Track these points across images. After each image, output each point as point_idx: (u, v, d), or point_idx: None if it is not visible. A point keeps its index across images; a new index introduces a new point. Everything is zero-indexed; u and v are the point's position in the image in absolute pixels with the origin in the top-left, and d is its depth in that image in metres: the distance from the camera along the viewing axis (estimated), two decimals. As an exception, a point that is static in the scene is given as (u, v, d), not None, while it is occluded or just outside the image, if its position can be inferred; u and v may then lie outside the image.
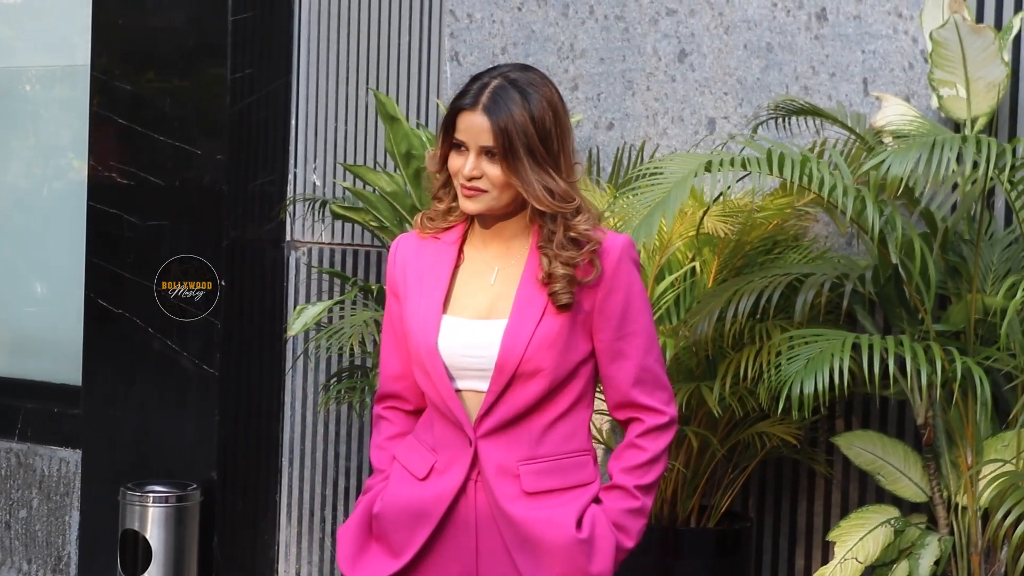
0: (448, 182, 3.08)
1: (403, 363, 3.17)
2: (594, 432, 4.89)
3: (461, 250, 3.11)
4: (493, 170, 2.98)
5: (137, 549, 5.48)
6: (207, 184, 5.66)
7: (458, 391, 3.05)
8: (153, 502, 5.48)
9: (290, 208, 5.68)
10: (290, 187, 5.74)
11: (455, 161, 3.02)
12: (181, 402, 5.71)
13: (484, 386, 3.03)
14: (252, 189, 5.69)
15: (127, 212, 5.82)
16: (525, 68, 3.06)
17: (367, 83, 5.62)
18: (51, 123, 6.65)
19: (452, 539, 3.06)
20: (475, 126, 2.97)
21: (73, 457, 6.05)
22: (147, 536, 5.45)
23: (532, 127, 2.96)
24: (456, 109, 3.00)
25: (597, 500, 3.08)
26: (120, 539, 5.52)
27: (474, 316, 3.05)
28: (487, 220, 3.08)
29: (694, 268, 4.51)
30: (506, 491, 3.02)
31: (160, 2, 5.80)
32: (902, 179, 3.76)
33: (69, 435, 6.12)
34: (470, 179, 2.99)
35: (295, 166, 5.77)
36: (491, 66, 3.14)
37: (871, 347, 3.85)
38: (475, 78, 3.04)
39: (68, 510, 6.07)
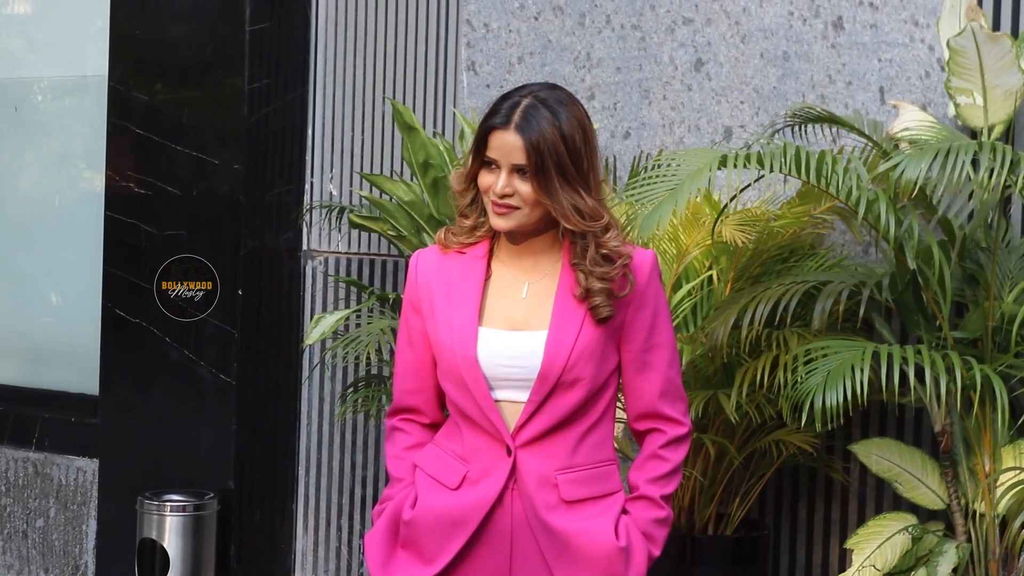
0: (475, 199, 3.13)
1: (420, 378, 3.21)
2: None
3: (488, 264, 3.15)
4: (524, 188, 3.02)
5: (155, 558, 5.49)
6: (224, 194, 5.68)
7: (496, 401, 3.08)
8: (170, 511, 5.49)
9: (307, 216, 5.69)
10: (307, 196, 5.76)
11: (486, 178, 3.06)
12: (198, 411, 5.73)
13: (521, 396, 3.07)
14: (269, 199, 5.71)
15: (144, 222, 5.84)
16: (553, 87, 3.11)
17: (384, 93, 5.64)
18: (64, 133, 6.67)
19: (486, 548, 3.09)
20: (507, 144, 3.01)
21: (90, 466, 6.07)
22: (165, 545, 5.46)
23: (563, 146, 3.02)
24: (488, 128, 3.04)
25: (624, 511, 3.13)
26: (138, 548, 5.53)
27: (509, 327, 3.10)
28: (516, 236, 3.12)
29: (711, 276, 4.52)
30: (546, 500, 3.06)
31: (177, 13, 5.83)
32: (916, 181, 3.77)
33: (86, 444, 6.13)
34: (502, 196, 3.03)
35: (312, 176, 5.79)
36: (520, 84, 3.21)
37: (890, 356, 3.86)
38: (505, 97, 3.08)
39: (85, 519, 6.08)
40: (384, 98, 5.62)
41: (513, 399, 3.08)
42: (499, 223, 3.06)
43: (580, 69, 5.20)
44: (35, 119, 6.71)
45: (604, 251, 3.06)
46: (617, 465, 3.17)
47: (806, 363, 3.95)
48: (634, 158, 5.04)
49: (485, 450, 3.09)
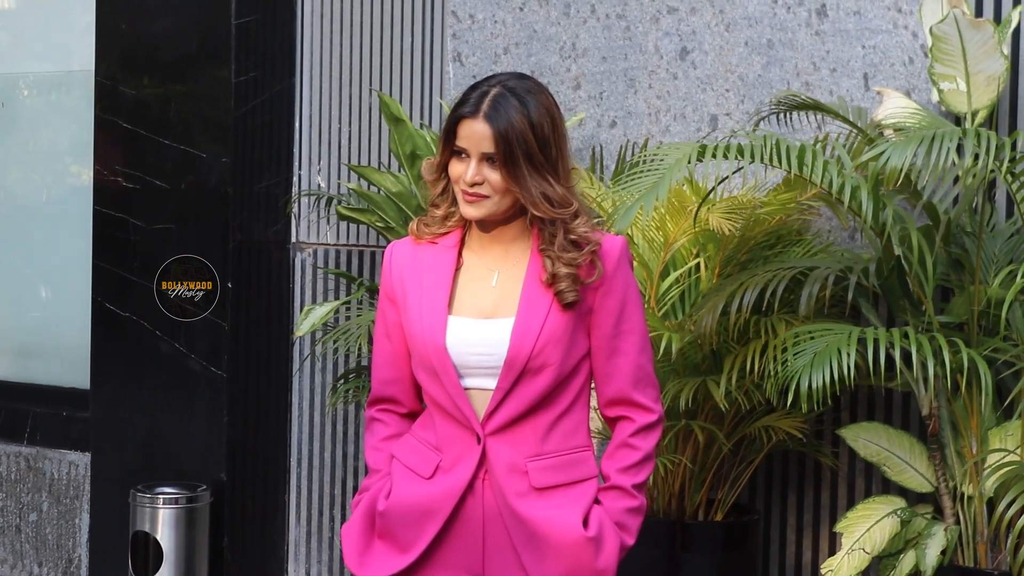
0: (446, 189, 3.15)
1: (397, 368, 3.23)
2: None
3: (460, 254, 3.17)
4: (494, 176, 3.04)
5: (148, 550, 5.51)
6: (212, 187, 5.69)
7: (466, 389, 3.10)
8: (163, 504, 5.51)
9: (295, 207, 5.70)
10: (295, 189, 5.77)
11: (456, 168, 3.09)
12: (189, 404, 5.74)
13: (491, 384, 3.09)
14: (257, 191, 5.73)
15: (133, 216, 5.86)
16: (522, 76, 3.13)
17: (370, 84, 5.66)
18: (50, 128, 6.67)
19: (459, 536, 3.11)
20: (476, 133, 3.04)
21: (82, 460, 6.08)
22: (158, 537, 5.48)
23: (531, 134, 3.03)
24: (457, 117, 3.06)
25: (597, 500, 3.14)
26: (131, 541, 5.55)
27: (479, 316, 3.11)
28: (487, 224, 3.14)
29: (698, 264, 4.54)
30: (516, 487, 3.08)
31: (163, 7, 5.83)
32: (901, 170, 3.79)
33: (78, 438, 6.15)
34: (472, 185, 3.05)
35: (300, 168, 5.80)
36: (488, 74, 3.20)
37: (876, 340, 3.88)
38: (473, 87, 3.11)
39: (78, 513, 6.10)
40: (371, 90, 5.63)
41: (483, 387, 3.09)
42: (469, 211, 3.09)
43: (566, 59, 5.22)
44: (22, 114, 6.71)
45: (572, 237, 3.07)
46: (592, 451, 3.18)
47: (794, 348, 3.97)
48: (620, 147, 5.06)
49: (456, 439, 3.11)
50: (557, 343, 3.07)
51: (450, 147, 3.09)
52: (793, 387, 3.82)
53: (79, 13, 6.21)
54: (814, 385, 3.80)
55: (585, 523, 3.08)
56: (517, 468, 3.08)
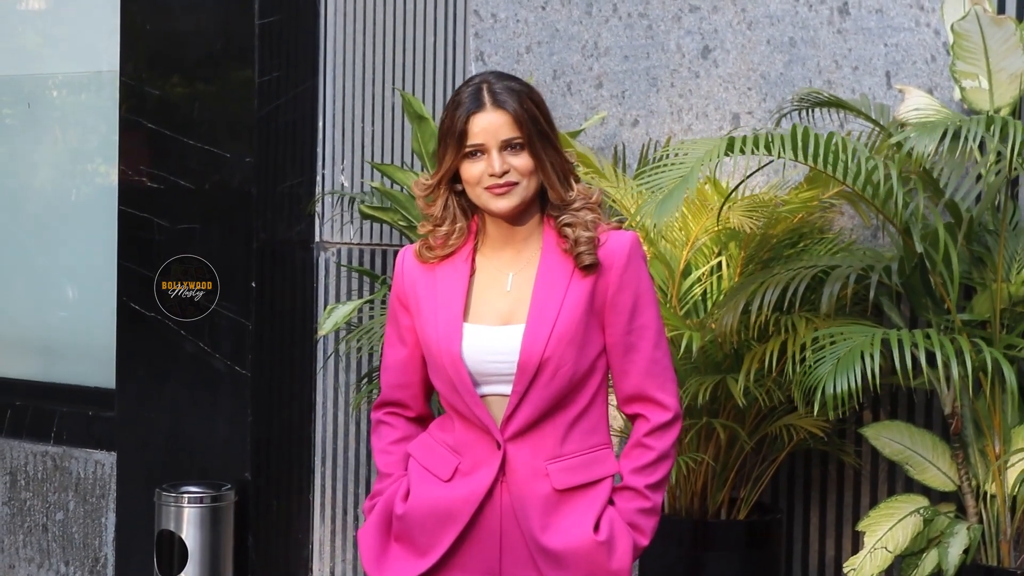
0: (447, 204, 3.12)
1: (408, 372, 3.22)
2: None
3: (473, 260, 3.15)
4: (519, 161, 3.04)
5: (173, 549, 5.53)
6: (236, 187, 5.70)
7: (483, 396, 3.09)
8: (188, 502, 5.53)
9: (318, 205, 5.72)
10: (318, 188, 5.78)
11: (473, 168, 3.06)
12: (214, 403, 5.76)
13: (507, 390, 3.08)
14: (281, 191, 5.74)
15: (157, 216, 5.88)
16: (495, 71, 3.15)
17: (393, 83, 5.66)
18: (79, 128, 6.70)
19: (477, 540, 3.11)
20: (492, 123, 3.03)
21: (108, 459, 6.11)
22: (183, 536, 5.50)
23: (537, 110, 3.07)
24: (467, 115, 3.04)
25: (611, 501, 3.14)
26: (156, 540, 5.57)
27: (495, 322, 3.10)
28: (501, 225, 3.11)
29: (720, 263, 4.54)
30: (537, 490, 3.07)
31: (187, 7, 5.86)
32: (923, 157, 3.77)
33: (103, 438, 6.17)
34: (502, 175, 3.03)
35: (323, 167, 5.81)
36: (520, 75, 3.19)
37: (900, 342, 3.87)
38: (459, 91, 3.10)
39: (104, 512, 6.13)
40: (394, 89, 5.64)
41: (499, 393, 3.08)
42: (501, 204, 3.05)
43: (588, 58, 5.22)
44: (50, 115, 6.74)
45: (588, 212, 3.10)
46: (611, 447, 3.18)
47: (815, 349, 3.96)
48: (642, 146, 5.06)
49: (476, 443, 3.10)
50: (570, 343, 3.05)
51: (462, 150, 3.05)
52: (818, 393, 3.80)
53: (106, 14, 6.24)
54: (838, 390, 3.78)
55: (597, 526, 3.08)
56: (538, 471, 3.08)
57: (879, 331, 3.94)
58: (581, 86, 5.22)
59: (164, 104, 5.88)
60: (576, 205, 3.09)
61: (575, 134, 4.95)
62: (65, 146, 6.74)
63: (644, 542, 3.13)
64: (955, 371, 3.81)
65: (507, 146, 3.03)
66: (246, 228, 5.69)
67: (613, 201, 4.57)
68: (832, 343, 3.96)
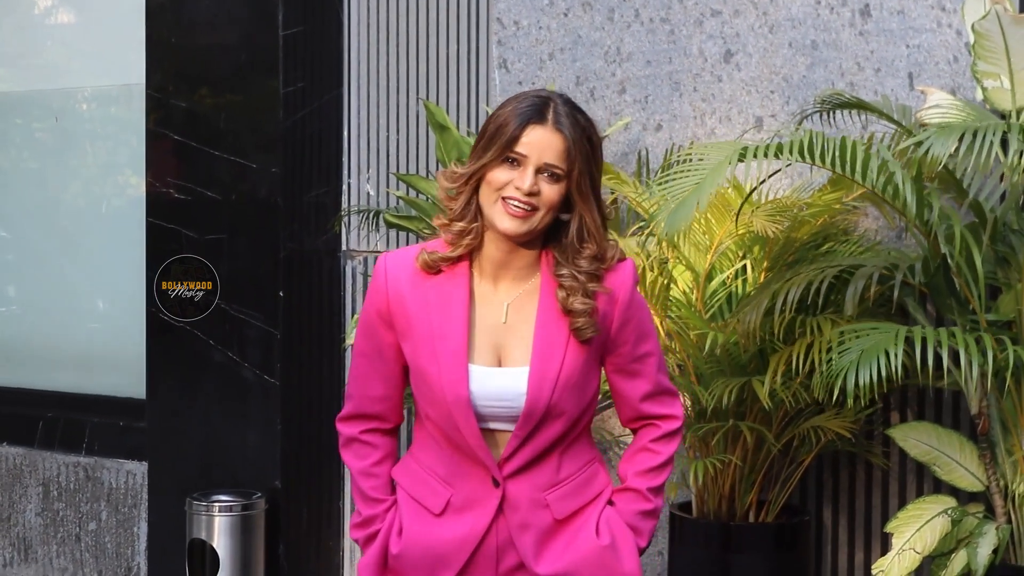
0: (468, 203, 2.97)
1: (391, 386, 3.09)
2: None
3: (470, 281, 3.01)
4: (550, 190, 2.90)
5: (205, 558, 5.55)
6: (263, 197, 5.73)
7: (483, 429, 3.00)
8: (219, 511, 5.55)
9: (344, 219, 5.75)
10: (344, 198, 5.81)
11: (503, 174, 2.91)
12: (243, 412, 5.79)
13: (508, 426, 3.01)
14: (307, 201, 5.77)
15: (185, 227, 5.91)
16: (565, 96, 3.01)
17: (417, 93, 5.69)
18: (108, 141, 6.75)
19: (473, 572, 3.04)
20: (543, 141, 2.89)
21: (139, 469, 6.14)
22: (214, 545, 5.53)
23: (591, 153, 2.95)
24: (524, 121, 2.89)
25: (610, 502, 3.12)
26: (188, 548, 5.60)
27: (494, 362, 2.99)
28: (500, 246, 2.98)
29: (745, 266, 4.54)
30: (538, 523, 3.02)
31: (212, 20, 5.89)
32: (942, 160, 3.77)
33: (135, 448, 6.21)
34: (528, 194, 2.89)
35: (349, 177, 5.84)
36: (535, 85, 3.13)
37: (924, 339, 3.87)
38: (525, 94, 2.97)
39: (136, 521, 6.16)
40: (417, 98, 5.66)
41: (501, 428, 3.01)
42: (509, 225, 2.92)
43: (611, 63, 5.23)
44: (79, 128, 6.78)
45: (594, 268, 2.97)
46: (600, 459, 3.16)
47: (840, 346, 3.96)
48: (666, 150, 5.06)
49: (469, 475, 3.02)
50: (573, 388, 3.00)
51: (504, 153, 2.90)
52: (839, 384, 3.81)
53: (132, 27, 6.27)
54: (860, 382, 3.78)
55: (597, 531, 3.06)
56: (538, 503, 3.03)
57: (904, 328, 3.93)
58: (604, 92, 5.23)
59: (191, 116, 5.91)
60: (583, 263, 2.96)
61: (598, 140, 4.95)
62: (94, 159, 6.78)
63: (643, 543, 3.11)
64: (976, 369, 3.81)
65: (546, 171, 2.90)
66: (273, 238, 5.71)
67: (637, 206, 4.59)
68: (858, 337, 3.95)
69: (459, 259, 3.00)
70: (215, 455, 5.87)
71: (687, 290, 4.57)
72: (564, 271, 2.97)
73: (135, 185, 6.45)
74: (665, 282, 4.40)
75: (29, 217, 6.88)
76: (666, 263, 4.44)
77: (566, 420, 3.01)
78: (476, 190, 2.96)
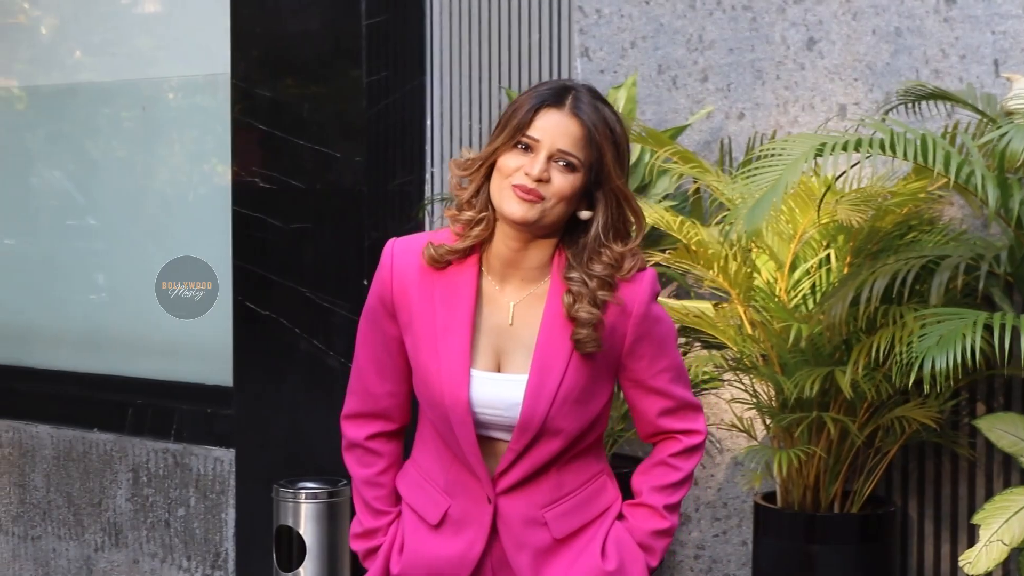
0: (481, 190, 2.81)
1: (398, 381, 2.96)
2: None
3: (478, 279, 2.86)
4: (560, 179, 2.74)
5: (292, 544, 5.60)
6: (347, 186, 5.76)
7: (479, 437, 2.86)
8: (305, 498, 5.59)
9: (428, 208, 5.77)
10: (427, 186, 5.83)
11: (514, 159, 2.74)
12: (328, 400, 5.82)
13: (506, 436, 2.86)
14: (391, 190, 5.79)
15: (270, 216, 5.95)
16: (592, 87, 2.85)
17: (499, 81, 5.70)
18: (194, 131, 6.80)
19: None
20: (559, 126, 2.73)
21: (227, 456, 6.20)
22: (301, 532, 5.57)
23: (614, 145, 2.77)
24: (538, 104, 2.74)
25: (620, 516, 2.96)
26: (275, 535, 5.65)
27: (495, 364, 2.85)
28: (510, 241, 2.82)
29: (828, 256, 4.52)
30: (534, 543, 2.88)
31: (295, 9, 5.92)
32: (1021, 154, 3.72)
33: (222, 435, 6.26)
34: (538, 180, 2.72)
35: (432, 165, 5.86)
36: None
37: (1003, 326, 3.83)
38: (547, 81, 2.87)
39: (224, 507, 6.22)
40: (499, 87, 5.67)
41: (499, 437, 2.86)
42: (517, 210, 2.73)
43: (692, 51, 5.21)
44: (165, 117, 6.85)
45: (608, 276, 2.79)
46: (608, 471, 2.98)
47: (920, 332, 3.91)
48: (749, 139, 5.05)
49: (466, 488, 2.89)
50: (575, 403, 2.82)
51: (515, 137, 2.74)
52: (916, 368, 3.76)
53: (217, 17, 6.32)
54: (938, 367, 3.72)
55: (603, 553, 2.89)
56: (535, 520, 2.88)
57: (984, 314, 3.87)
58: (686, 80, 5.22)
59: (275, 105, 5.95)
60: (596, 268, 2.78)
61: (681, 129, 4.95)
62: (181, 148, 6.84)
63: (654, 563, 2.93)
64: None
65: (560, 158, 2.73)
66: (357, 227, 5.74)
67: (720, 195, 4.57)
68: (938, 322, 3.91)
69: (468, 253, 2.84)
70: (301, 442, 5.91)
71: (770, 279, 4.56)
72: (574, 274, 2.79)
73: (221, 174, 6.50)
74: (748, 271, 4.39)
75: (117, 206, 6.95)
76: (749, 252, 4.43)
77: (564, 438, 2.84)
78: (488, 178, 2.80)
